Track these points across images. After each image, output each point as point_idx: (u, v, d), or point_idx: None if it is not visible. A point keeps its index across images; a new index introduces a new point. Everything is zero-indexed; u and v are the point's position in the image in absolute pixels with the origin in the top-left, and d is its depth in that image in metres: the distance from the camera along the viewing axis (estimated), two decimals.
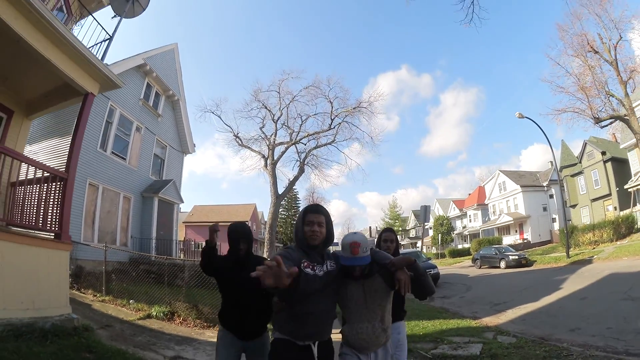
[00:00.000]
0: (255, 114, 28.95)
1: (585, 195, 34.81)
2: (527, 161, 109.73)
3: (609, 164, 31.41)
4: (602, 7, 21.07)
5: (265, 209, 52.54)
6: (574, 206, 36.99)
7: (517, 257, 23.43)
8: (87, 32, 7.47)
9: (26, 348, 4.17)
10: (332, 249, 2.97)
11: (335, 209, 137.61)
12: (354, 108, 28.00)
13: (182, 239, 26.95)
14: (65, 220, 5.87)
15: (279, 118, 28.69)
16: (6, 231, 5.12)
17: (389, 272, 2.39)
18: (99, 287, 9.34)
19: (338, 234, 73.31)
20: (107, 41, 7.99)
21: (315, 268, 2.36)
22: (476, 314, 9.59)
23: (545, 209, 41.33)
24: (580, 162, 35.17)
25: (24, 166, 5.71)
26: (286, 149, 28.54)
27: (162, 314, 7.89)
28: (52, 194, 5.91)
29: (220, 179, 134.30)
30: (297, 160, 29.03)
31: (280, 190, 27.73)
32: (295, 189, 30.85)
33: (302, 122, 28.93)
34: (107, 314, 7.47)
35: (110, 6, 9.27)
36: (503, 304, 10.62)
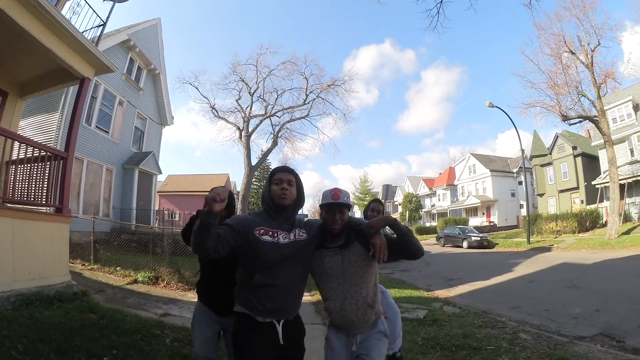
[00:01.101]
0: (232, 87, 29.46)
1: (553, 185, 36.18)
2: (502, 145, 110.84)
3: (579, 159, 32.65)
4: (584, 12, 21.60)
5: (237, 179, 53.00)
6: (541, 195, 38.36)
7: (479, 238, 24.86)
8: (75, 10, 7.68)
9: (38, 313, 4.77)
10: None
11: (307, 180, 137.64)
12: (329, 85, 28.82)
13: (157, 208, 27.58)
14: (66, 195, 6.46)
15: (255, 91, 29.37)
16: (14, 209, 5.74)
17: (366, 238, 2.31)
18: (87, 256, 9.94)
19: (309, 205, 73.93)
20: (101, 27, 8.47)
21: (278, 235, 2.18)
22: (430, 287, 10.53)
23: (513, 195, 42.89)
24: (550, 154, 36.33)
25: (19, 145, 6.21)
26: (261, 121, 29.46)
27: (147, 279, 8.61)
28: (54, 172, 6.42)
29: (194, 147, 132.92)
30: (271, 133, 29.86)
31: (254, 162, 28.62)
32: (268, 160, 31.71)
33: (278, 96, 29.71)
34: (98, 280, 8.13)
35: None
36: (456, 280, 11.63)
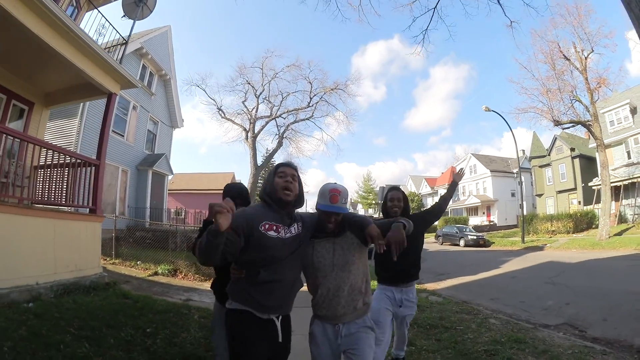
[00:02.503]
0: (239, 89, 30.54)
1: (552, 186, 36.66)
2: (507, 144, 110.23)
3: (577, 160, 33.12)
4: (578, 20, 22.10)
5: (243, 177, 54.31)
6: (540, 195, 38.91)
7: (475, 237, 25.71)
8: (100, 32, 8.49)
9: (80, 299, 5.63)
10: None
11: (312, 178, 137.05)
12: (332, 89, 29.86)
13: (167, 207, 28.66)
14: (98, 198, 7.38)
15: (261, 93, 30.37)
16: (55, 210, 6.69)
17: (360, 230, 2.28)
18: (108, 252, 10.84)
19: (312, 203, 74.74)
20: (124, 45, 9.42)
21: (281, 230, 2.16)
22: (420, 280, 11.22)
23: (513, 195, 43.32)
24: (549, 155, 36.84)
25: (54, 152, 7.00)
26: (267, 123, 30.59)
27: (167, 271, 9.59)
28: (88, 177, 7.33)
29: (198, 144, 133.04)
30: (276, 134, 31.01)
31: (260, 162, 29.81)
32: (273, 160, 32.87)
33: (283, 98, 30.65)
34: (122, 273, 9.07)
35: (118, 5, 10.47)
36: (445, 275, 12.50)
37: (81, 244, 6.90)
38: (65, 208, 7.12)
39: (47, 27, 6.05)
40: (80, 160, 7.24)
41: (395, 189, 3.64)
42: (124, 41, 9.34)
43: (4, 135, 5.87)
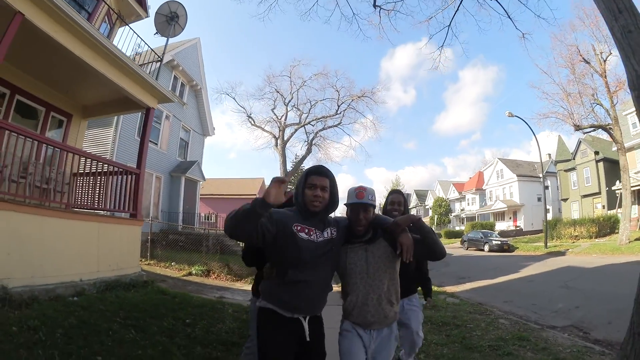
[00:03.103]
0: (268, 97, 31.51)
1: (577, 190, 36.24)
2: (536, 147, 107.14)
3: (600, 164, 32.68)
4: (595, 22, 21.95)
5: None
6: (565, 200, 38.51)
7: (499, 242, 25.66)
8: (126, 38, 9.12)
9: (122, 295, 6.22)
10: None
11: (342, 183, 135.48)
12: (359, 97, 30.38)
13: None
14: (139, 204, 8.07)
15: (289, 101, 31.18)
16: (100, 214, 7.39)
17: (392, 236, 2.28)
18: (143, 253, 11.46)
19: (343, 208, 75.46)
20: (159, 62, 10.16)
21: (313, 233, 2.19)
22: (442, 283, 11.85)
23: (539, 199, 42.29)
24: (573, 159, 36.46)
25: (98, 162, 7.73)
26: (296, 130, 31.30)
27: (200, 272, 10.23)
28: (126, 184, 7.95)
29: (228, 149, 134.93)
30: (305, 141, 31.83)
31: (289, 167, 30.62)
32: (303, 165, 33.89)
33: (311, 106, 31.42)
34: (157, 273, 9.72)
35: (151, 23, 11.16)
36: (466, 278, 12.88)
37: (122, 245, 7.58)
38: (108, 212, 7.79)
39: (89, 49, 6.71)
40: (122, 169, 7.95)
41: (396, 192, 3.71)
42: (159, 58, 10.06)
43: (45, 144, 6.59)
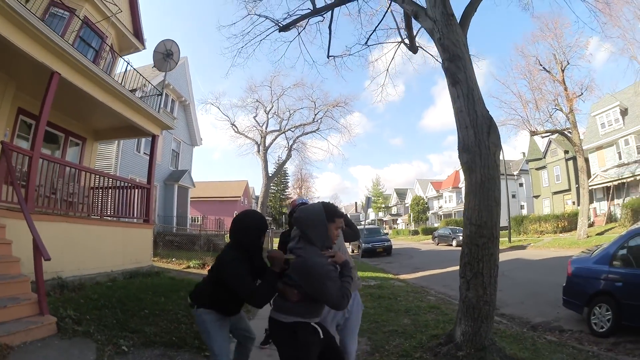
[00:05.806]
0: (251, 106, 33.68)
1: (548, 188, 38.43)
2: (520, 145, 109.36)
3: (570, 162, 34.10)
4: (555, 34, 23.98)
5: (255, 184, 58.34)
6: (537, 197, 40.71)
7: None
8: (143, 90, 10.98)
9: (143, 280, 8.27)
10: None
11: (328, 182, 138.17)
12: (333, 106, 33.10)
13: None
14: (150, 211, 10.22)
15: (270, 109, 33.42)
16: (123, 221, 9.51)
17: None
18: None
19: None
20: (159, 96, 12.26)
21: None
22: (398, 273, 13.94)
23: (514, 196, 44.56)
24: (544, 158, 38.56)
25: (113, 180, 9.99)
26: (276, 137, 33.65)
27: (197, 265, 12.16)
28: (142, 197, 10.06)
29: (212, 149, 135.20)
30: (285, 147, 34.17)
31: (271, 171, 33.16)
32: (286, 167, 36.56)
33: (290, 115, 33.79)
34: (162, 267, 11.62)
35: (143, 53, 13.16)
36: (420, 269, 14.96)
37: (140, 244, 9.69)
38: (127, 219, 9.87)
39: (106, 93, 8.38)
40: (138, 185, 10.15)
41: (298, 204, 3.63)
42: (159, 92, 12.18)
43: (67, 167, 8.35)
